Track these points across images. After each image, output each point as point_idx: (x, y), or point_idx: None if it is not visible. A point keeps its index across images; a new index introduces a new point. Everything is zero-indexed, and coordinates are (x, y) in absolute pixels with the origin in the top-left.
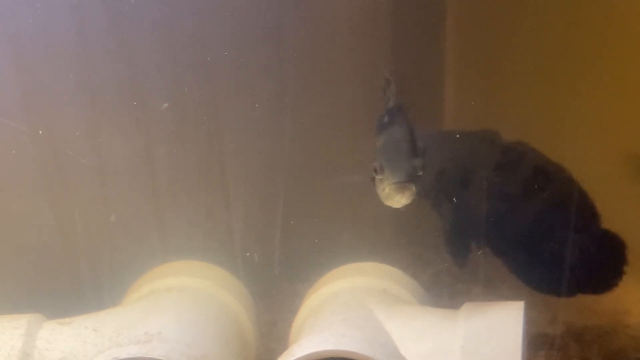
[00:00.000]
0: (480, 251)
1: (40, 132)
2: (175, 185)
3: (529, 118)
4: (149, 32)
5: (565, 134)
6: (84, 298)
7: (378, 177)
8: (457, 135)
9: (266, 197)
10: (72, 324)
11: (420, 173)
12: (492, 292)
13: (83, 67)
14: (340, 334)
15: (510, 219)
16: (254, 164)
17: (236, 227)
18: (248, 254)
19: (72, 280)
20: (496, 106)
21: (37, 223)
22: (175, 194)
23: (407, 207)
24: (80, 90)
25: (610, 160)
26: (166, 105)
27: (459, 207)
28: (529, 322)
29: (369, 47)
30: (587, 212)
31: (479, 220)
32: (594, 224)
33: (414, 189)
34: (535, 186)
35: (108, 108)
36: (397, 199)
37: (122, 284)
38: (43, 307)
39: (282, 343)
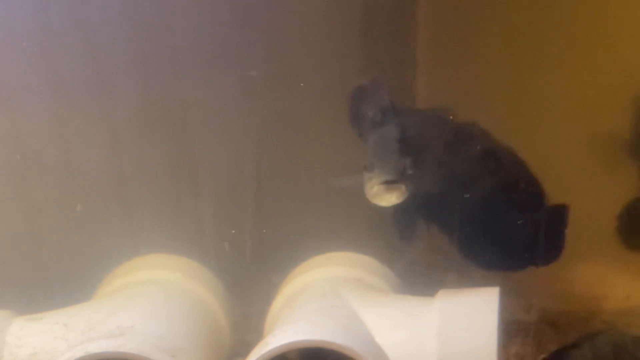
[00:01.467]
0: (428, 228)
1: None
2: (144, 176)
3: (498, 102)
4: (113, 20)
5: (535, 118)
6: (54, 294)
7: (367, 175)
8: (410, 112)
9: (237, 188)
10: (42, 319)
11: (410, 172)
12: (467, 279)
13: (46, 57)
14: (315, 323)
15: (458, 198)
16: (223, 154)
17: (207, 219)
18: (225, 243)
19: (42, 275)
20: (467, 91)
21: (4, 217)
22: (143, 185)
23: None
24: (43, 80)
25: (578, 143)
26: None
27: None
28: (505, 309)
29: (340, 37)
30: (534, 193)
31: (428, 197)
32: (541, 205)
33: (402, 188)
34: (485, 166)
35: (73, 98)
36: (386, 198)
37: (93, 279)
38: (13, 303)
39: (258, 335)
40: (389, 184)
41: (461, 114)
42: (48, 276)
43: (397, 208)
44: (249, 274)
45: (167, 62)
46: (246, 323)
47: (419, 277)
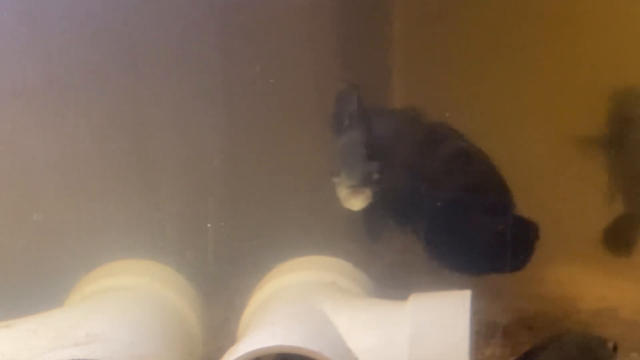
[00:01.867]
0: (398, 227)
1: None
2: (109, 183)
3: (474, 102)
4: (69, 20)
5: (510, 119)
6: (25, 301)
7: (334, 180)
8: (381, 113)
9: (205, 192)
10: (12, 327)
11: (376, 177)
12: (444, 281)
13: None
14: (286, 328)
15: (428, 199)
16: (188, 158)
17: (179, 225)
18: (187, 252)
19: (12, 283)
20: (441, 93)
21: None
22: (109, 191)
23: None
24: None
25: (552, 143)
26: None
27: (379, 183)
28: (480, 310)
29: (316, 37)
30: (503, 196)
31: (398, 198)
32: (508, 208)
33: (368, 192)
34: (454, 167)
35: (28, 103)
36: (351, 202)
37: (65, 285)
38: None
39: (232, 340)
40: (354, 188)
41: (434, 115)
42: (16, 285)
43: (366, 208)
44: (222, 279)
45: (128, 69)
46: (221, 328)
47: (396, 280)
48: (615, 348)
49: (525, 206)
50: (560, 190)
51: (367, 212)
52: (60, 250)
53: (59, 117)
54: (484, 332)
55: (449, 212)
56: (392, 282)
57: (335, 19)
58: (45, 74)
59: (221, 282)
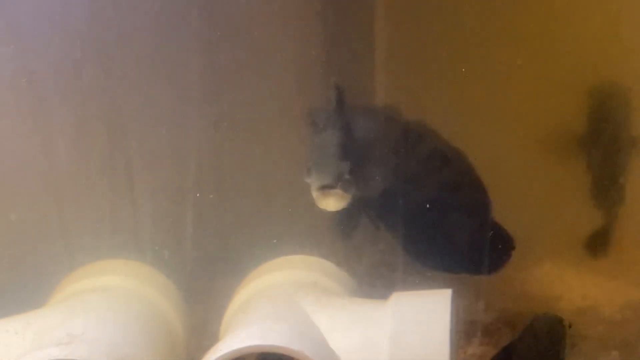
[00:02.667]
0: (375, 226)
1: None
2: (82, 181)
3: (451, 100)
4: (44, 18)
5: (489, 117)
6: (5, 302)
7: (307, 180)
8: (358, 112)
9: (185, 192)
10: None
11: (347, 177)
12: (428, 280)
13: None
14: (268, 328)
15: (405, 198)
16: (165, 157)
17: (160, 225)
18: (165, 251)
19: None
20: (421, 90)
21: None
22: (81, 190)
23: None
24: None
25: (531, 141)
26: None
27: (352, 183)
28: (462, 309)
29: (299, 35)
30: (479, 197)
31: (375, 196)
32: (484, 209)
33: (340, 193)
34: (431, 166)
35: (6, 103)
36: (324, 203)
37: (47, 285)
38: None
39: (214, 340)
40: (325, 189)
41: (414, 113)
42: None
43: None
44: (205, 279)
45: (103, 65)
46: (203, 329)
47: (380, 279)
48: (570, 326)
49: (505, 206)
50: (540, 190)
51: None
52: (40, 251)
53: (35, 116)
54: (466, 331)
55: (426, 212)
56: (376, 281)
57: (320, 16)
58: (21, 73)
59: (203, 283)
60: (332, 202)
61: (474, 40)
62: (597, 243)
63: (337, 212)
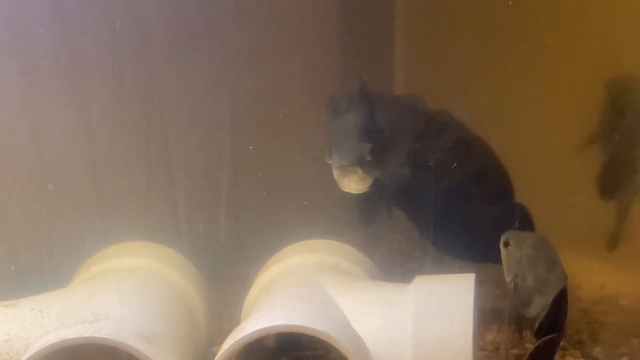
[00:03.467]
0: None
1: None
2: (118, 163)
3: (474, 95)
4: (88, 6)
5: (510, 111)
6: (30, 281)
7: (328, 162)
8: (382, 99)
9: (212, 175)
10: (17, 306)
11: (368, 158)
12: (445, 268)
13: (19, 42)
14: (291, 309)
15: (428, 187)
16: (198, 140)
17: (182, 207)
18: (199, 224)
19: (17, 263)
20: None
21: None
22: (118, 172)
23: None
24: (15, 66)
25: (552, 134)
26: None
27: (374, 165)
28: (481, 297)
29: (319, 24)
30: (502, 186)
31: (398, 184)
32: (508, 197)
33: (361, 173)
34: (454, 155)
35: (45, 83)
36: (344, 183)
37: (70, 266)
38: None
39: (235, 324)
40: (344, 168)
41: (436, 105)
42: (22, 263)
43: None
44: (225, 262)
45: (141, 42)
46: (223, 312)
47: (397, 267)
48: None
49: (524, 196)
50: (559, 180)
51: (361, 196)
52: (69, 229)
53: (75, 97)
54: (485, 318)
55: (449, 200)
56: (393, 269)
57: (338, 9)
58: (63, 58)
59: (224, 268)
60: (353, 183)
61: (494, 33)
62: (612, 236)
63: (358, 200)
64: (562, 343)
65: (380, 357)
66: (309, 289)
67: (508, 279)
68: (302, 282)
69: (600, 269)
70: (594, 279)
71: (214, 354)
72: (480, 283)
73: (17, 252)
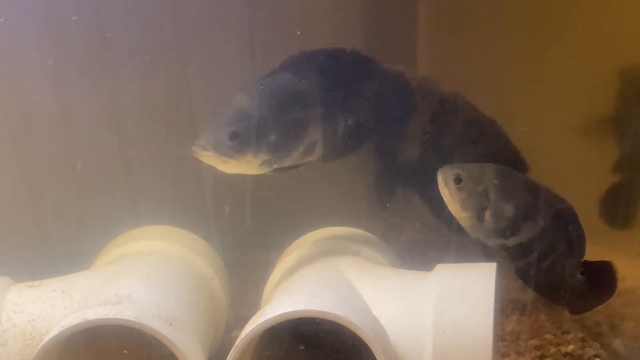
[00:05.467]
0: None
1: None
2: (146, 148)
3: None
4: None
5: (528, 102)
6: (53, 262)
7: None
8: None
9: None
10: (40, 286)
11: (229, 142)
12: (465, 258)
13: (48, 19)
14: (312, 294)
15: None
16: None
17: (207, 193)
18: (225, 207)
19: (42, 244)
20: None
21: (2, 184)
22: (145, 156)
23: None
24: (46, 42)
25: (569, 126)
26: None
27: (392, 151)
28: (500, 288)
29: (342, 13)
30: (517, 165)
31: (411, 166)
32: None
33: (215, 155)
34: (467, 136)
35: (75, 59)
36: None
37: (92, 248)
38: (12, 270)
39: (254, 310)
40: (198, 148)
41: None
42: (48, 244)
43: (377, 174)
44: (246, 250)
45: (170, 21)
46: (242, 299)
47: (418, 256)
48: None
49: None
50: (578, 170)
51: (378, 177)
52: (93, 210)
53: (105, 75)
54: (505, 309)
55: None
56: (414, 258)
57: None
58: (94, 38)
59: (247, 255)
60: (214, 164)
61: (512, 22)
62: (618, 216)
63: (374, 180)
64: (581, 334)
65: (400, 344)
66: (330, 275)
67: (463, 214)
68: (323, 268)
69: (620, 261)
70: None
71: (234, 340)
72: (500, 273)
73: (45, 232)
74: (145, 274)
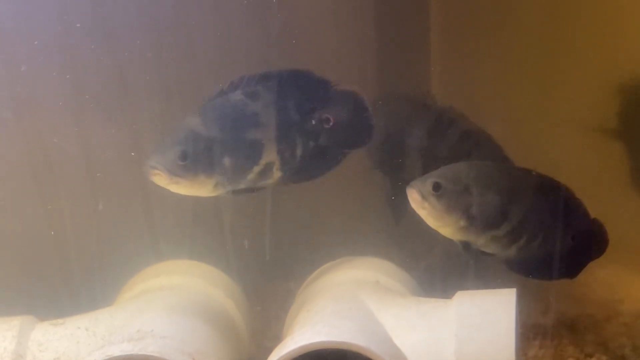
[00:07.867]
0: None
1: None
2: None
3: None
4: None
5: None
6: (77, 300)
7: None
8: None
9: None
10: (64, 324)
11: (181, 162)
12: (485, 284)
13: (67, 56)
14: (333, 325)
15: None
16: None
17: (226, 226)
18: (245, 241)
19: (65, 282)
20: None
21: (27, 223)
22: (164, 192)
23: None
24: (65, 82)
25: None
26: None
27: (397, 169)
28: (522, 312)
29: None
30: None
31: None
32: None
33: (166, 175)
34: (461, 148)
35: (95, 100)
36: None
37: (114, 285)
38: (36, 309)
39: (276, 341)
40: (149, 167)
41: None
42: (70, 281)
43: (387, 195)
44: (266, 280)
45: (188, 67)
46: (264, 329)
47: (437, 283)
48: None
49: None
50: (598, 192)
51: (388, 198)
52: (114, 248)
53: (124, 115)
54: (527, 334)
55: None
56: (434, 285)
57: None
58: (112, 76)
59: (267, 285)
60: (164, 184)
61: (518, 36)
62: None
63: (388, 199)
64: (605, 358)
65: None
66: (350, 305)
67: (451, 219)
68: (343, 298)
69: None
70: (636, 292)
71: None
72: (521, 297)
73: (68, 270)
74: (167, 309)
